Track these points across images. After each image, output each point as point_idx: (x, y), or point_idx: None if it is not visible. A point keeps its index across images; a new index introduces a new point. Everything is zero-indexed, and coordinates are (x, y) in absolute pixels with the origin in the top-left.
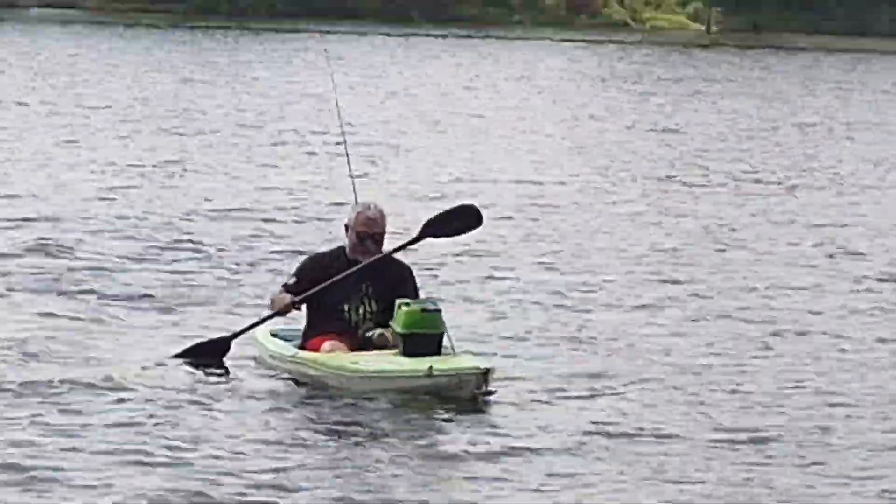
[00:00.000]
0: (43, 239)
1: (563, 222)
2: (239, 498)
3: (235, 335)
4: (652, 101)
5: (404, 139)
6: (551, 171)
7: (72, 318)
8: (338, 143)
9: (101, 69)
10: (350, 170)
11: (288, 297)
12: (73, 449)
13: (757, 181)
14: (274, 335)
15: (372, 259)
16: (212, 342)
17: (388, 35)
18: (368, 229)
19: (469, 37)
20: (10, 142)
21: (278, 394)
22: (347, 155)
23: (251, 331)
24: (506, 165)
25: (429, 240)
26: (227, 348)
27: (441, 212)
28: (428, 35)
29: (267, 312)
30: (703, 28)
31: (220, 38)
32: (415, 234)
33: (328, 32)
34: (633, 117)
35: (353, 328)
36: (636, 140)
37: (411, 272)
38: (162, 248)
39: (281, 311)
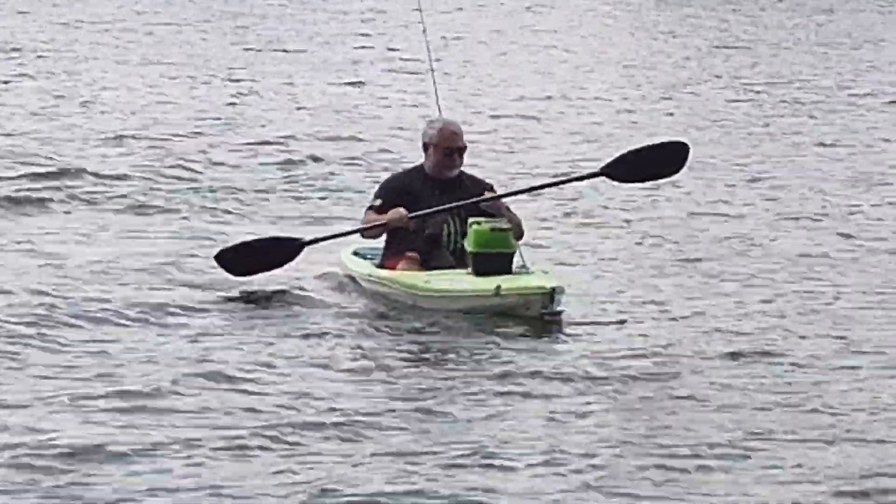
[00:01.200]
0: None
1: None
2: (300, 419)
3: (312, 241)
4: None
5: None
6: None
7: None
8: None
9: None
10: (435, 89)
11: (403, 211)
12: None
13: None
14: (355, 254)
15: (482, 198)
16: (277, 241)
17: None
18: (454, 143)
19: None
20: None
21: (349, 313)
22: (433, 74)
23: (328, 241)
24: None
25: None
26: (297, 253)
27: (632, 150)
28: None
29: (353, 227)
30: None
31: None
32: (584, 172)
33: None
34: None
35: (433, 248)
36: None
37: (494, 190)
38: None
39: (394, 225)
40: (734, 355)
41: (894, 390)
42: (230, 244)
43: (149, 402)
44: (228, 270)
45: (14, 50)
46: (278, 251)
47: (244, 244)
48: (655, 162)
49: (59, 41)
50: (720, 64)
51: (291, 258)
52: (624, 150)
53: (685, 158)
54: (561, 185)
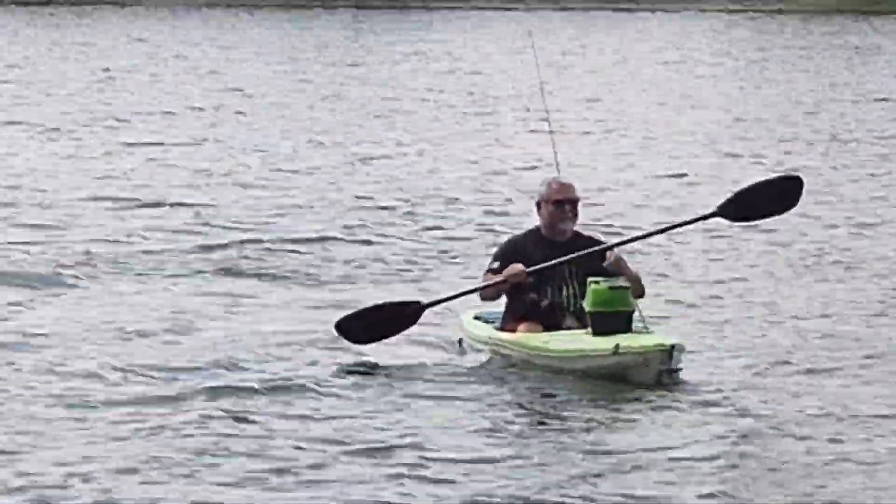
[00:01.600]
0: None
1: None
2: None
3: (432, 304)
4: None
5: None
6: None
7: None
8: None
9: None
10: (555, 153)
11: (521, 266)
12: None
13: None
14: (477, 318)
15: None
16: (397, 305)
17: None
18: (565, 195)
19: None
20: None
21: (471, 375)
22: (552, 137)
23: (447, 302)
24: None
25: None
26: (417, 317)
27: (745, 188)
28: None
29: (479, 280)
30: None
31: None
32: (697, 214)
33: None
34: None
35: (554, 310)
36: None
37: (612, 249)
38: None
39: (512, 281)
40: (862, 417)
41: None
42: (349, 312)
43: (287, 477)
44: (349, 339)
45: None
46: (399, 316)
47: (364, 310)
48: (770, 198)
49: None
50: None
51: (413, 322)
52: (737, 189)
53: (800, 193)
54: (676, 230)
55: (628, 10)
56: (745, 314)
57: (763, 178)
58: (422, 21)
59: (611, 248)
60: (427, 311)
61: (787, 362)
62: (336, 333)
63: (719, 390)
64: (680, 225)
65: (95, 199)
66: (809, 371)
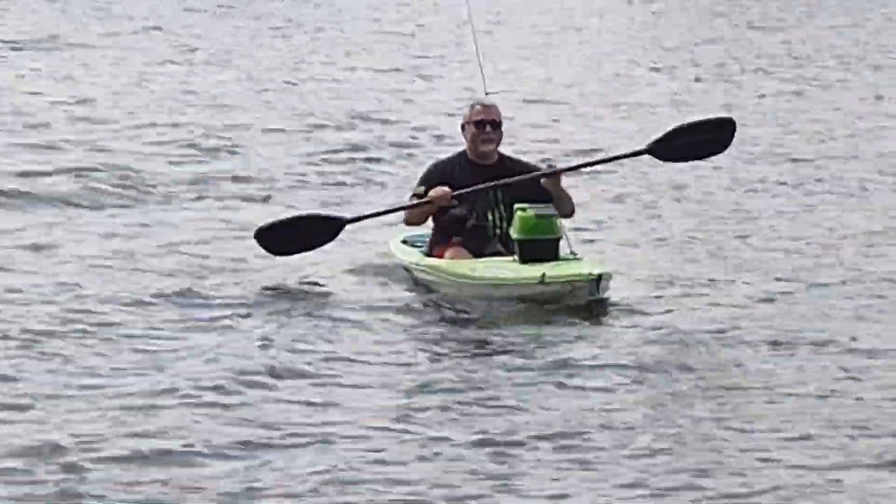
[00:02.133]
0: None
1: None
2: (340, 406)
3: (354, 220)
4: None
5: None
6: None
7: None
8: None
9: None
10: (482, 75)
11: (447, 189)
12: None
13: None
14: (404, 242)
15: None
16: (319, 218)
17: None
18: (486, 116)
19: None
20: None
21: (397, 301)
22: (482, 70)
23: (374, 219)
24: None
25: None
26: (339, 232)
27: (679, 126)
28: None
29: (404, 200)
30: None
31: None
32: (635, 148)
33: None
34: None
35: (480, 233)
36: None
37: (542, 171)
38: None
39: (438, 203)
40: (777, 344)
41: None
42: (270, 221)
43: (188, 399)
44: (268, 250)
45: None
46: (319, 229)
47: (285, 221)
48: (702, 140)
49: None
50: (758, 46)
51: (333, 237)
52: (669, 128)
53: (732, 135)
54: (605, 163)
55: None
56: (672, 248)
57: (697, 119)
58: None
59: (541, 175)
60: (347, 230)
61: (710, 290)
62: (256, 243)
63: (644, 313)
64: (608, 160)
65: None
66: (732, 304)
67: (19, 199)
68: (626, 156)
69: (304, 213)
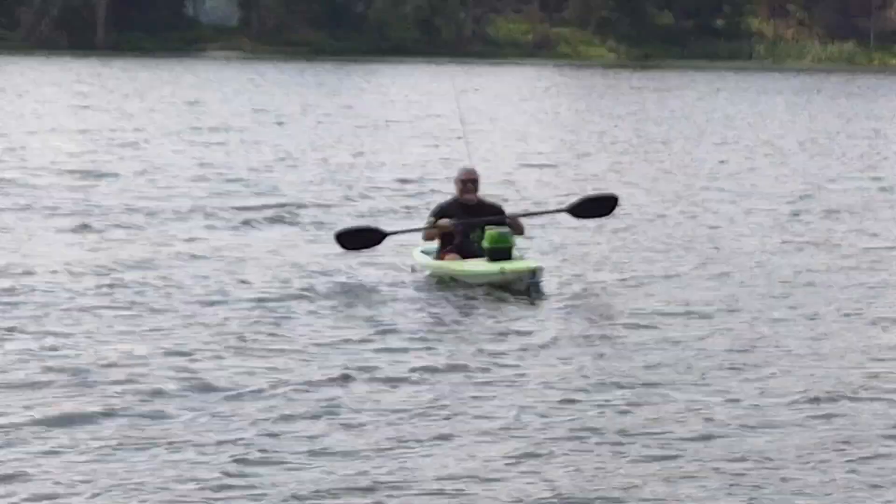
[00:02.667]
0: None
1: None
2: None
3: (393, 233)
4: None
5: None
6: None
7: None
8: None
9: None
10: (468, 151)
11: (450, 221)
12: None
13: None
14: (423, 252)
15: (491, 218)
16: (372, 230)
17: None
18: (467, 177)
19: None
20: None
21: (418, 289)
22: (468, 152)
23: (405, 235)
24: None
25: (563, 215)
26: (382, 239)
27: (590, 197)
28: None
29: (422, 225)
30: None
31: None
32: (558, 207)
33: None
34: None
35: (466, 246)
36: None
37: (502, 210)
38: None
39: (444, 229)
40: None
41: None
42: (346, 227)
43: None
44: (341, 245)
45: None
46: (373, 236)
47: (353, 228)
48: (597, 206)
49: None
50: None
51: (379, 243)
52: (581, 197)
53: (616, 205)
54: (543, 215)
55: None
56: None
57: (597, 193)
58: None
59: (502, 219)
60: (389, 239)
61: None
62: (335, 240)
63: (571, 305)
64: (544, 213)
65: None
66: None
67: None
68: (554, 211)
69: (364, 225)
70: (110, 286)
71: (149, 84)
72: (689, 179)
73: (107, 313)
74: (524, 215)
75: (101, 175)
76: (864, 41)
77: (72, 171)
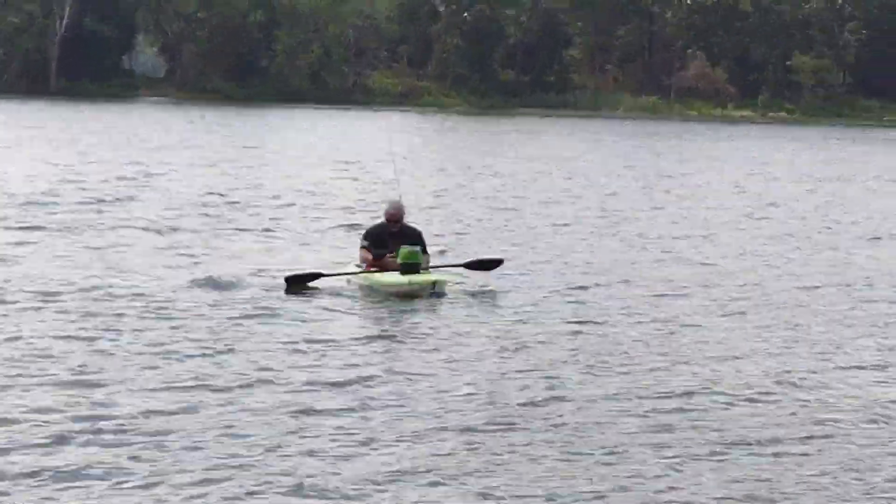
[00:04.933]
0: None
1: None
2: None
3: (330, 275)
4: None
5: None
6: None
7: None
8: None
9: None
10: (399, 189)
11: (370, 256)
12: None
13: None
14: (356, 265)
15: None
16: (314, 273)
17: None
18: (391, 213)
19: None
20: None
21: (344, 295)
22: (399, 182)
23: (339, 276)
24: None
25: (461, 269)
26: (319, 277)
27: (483, 258)
28: None
29: (357, 268)
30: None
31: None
32: (458, 262)
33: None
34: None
35: (386, 262)
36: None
37: (421, 234)
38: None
39: (372, 263)
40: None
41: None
42: (295, 273)
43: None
44: (288, 288)
45: None
46: (313, 277)
47: (301, 274)
48: (487, 264)
49: None
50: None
51: (316, 279)
52: (474, 258)
53: (500, 264)
54: (446, 266)
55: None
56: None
57: (487, 257)
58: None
59: (422, 250)
60: (323, 279)
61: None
62: (284, 281)
63: (467, 308)
64: (448, 266)
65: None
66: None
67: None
68: (455, 265)
69: (312, 271)
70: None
71: (93, 122)
72: (514, 193)
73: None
74: (431, 267)
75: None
76: (666, 95)
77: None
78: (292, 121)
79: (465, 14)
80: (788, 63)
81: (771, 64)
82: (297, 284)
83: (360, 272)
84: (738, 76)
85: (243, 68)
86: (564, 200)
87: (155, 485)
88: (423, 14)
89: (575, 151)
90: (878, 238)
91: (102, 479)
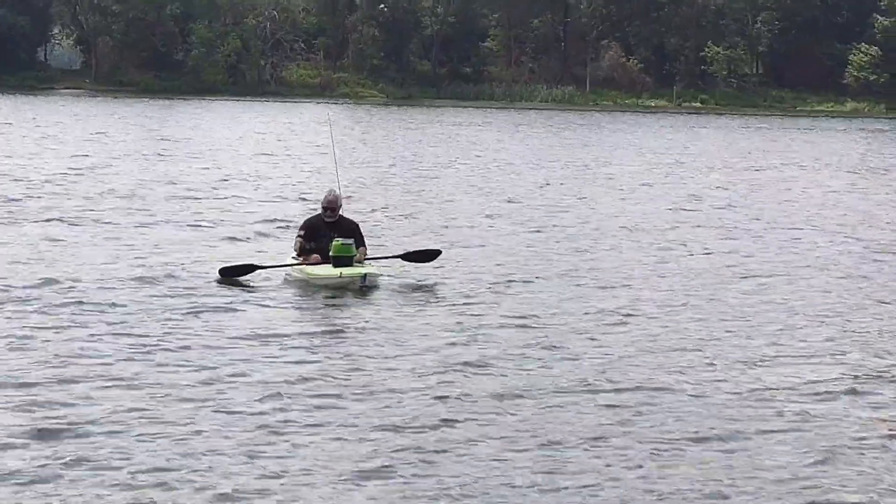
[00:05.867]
0: None
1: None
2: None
3: (264, 267)
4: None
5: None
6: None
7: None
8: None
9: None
10: (338, 181)
11: (316, 257)
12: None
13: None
14: (293, 258)
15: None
16: (248, 265)
17: None
18: (328, 205)
19: None
20: None
21: (277, 288)
22: (337, 174)
23: (272, 269)
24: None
25: (399, 260)
26: (254, 269)
27: (420, 249)
28: None
29: (292, 259)
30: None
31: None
32: (393, 253)
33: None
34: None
35: (321, 254)
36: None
37: (358, 226)
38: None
39: (308, 259)
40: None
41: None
42: (229, 265)
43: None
44: (222, 276)
45: None
46: (248, 267)
47: (236, 265)
48: (426, 255)
49: None
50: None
51: (252, 271)
52: (413, 249)
53: (438, 255)
54: (384, 258)
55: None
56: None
57: (425, 248)
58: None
59: (359, 242)
60: (259, 270)
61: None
62: (217, 273)
63: (390, 295)
64: (385, 257)
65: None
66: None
67: None
68: (393, 256)
69: (248, 262)
70: None
71: (11, 114)
72: (439, 184)
73: None
74: (371, 258)
75: None
76: (582, 86)
77: None
78: (215, 113)
79: (382, 5)
80: (702, 54)
81: (684, 55)
82: (231, 276)
83: (295, 264)
84: (653, 66)
85: (160, 61)
86: (494, 191)
87: (82, 481)
88: (341, 5)
89: (502, 142)
90: (801, 229)
91: (40, 481)
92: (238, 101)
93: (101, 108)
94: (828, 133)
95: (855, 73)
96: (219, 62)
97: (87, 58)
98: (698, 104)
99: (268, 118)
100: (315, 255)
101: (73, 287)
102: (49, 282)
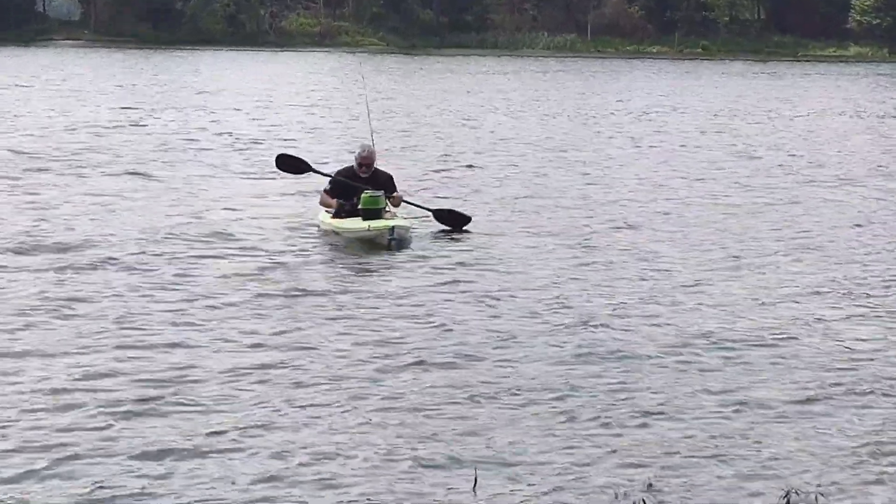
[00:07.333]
0: None
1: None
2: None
3: (316, 171)
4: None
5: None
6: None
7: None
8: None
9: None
10: (371, 132)
11: (335, 202)
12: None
13: None
14: (326, 210)
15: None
16: (301, 160)
17: None
18: (362, 161)
19: None
20: None
21: (319, 237)
22: (371, 127)
23: (320, 174)
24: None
25: (432, 217)
26: (308, 170)
27: (454, 210)
28: None
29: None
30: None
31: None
32: (429, 206)
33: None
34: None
35: (352, 208)
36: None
37: (392, 178)
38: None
39: (335, 206)
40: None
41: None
42: (286, 153)
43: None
44: (279, 167)
45: None
46: (303, 165)
47: (290, 155)
48: (455, 220)
49: None
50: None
51: (305, 172)
52: (445, 207)
53: (468, 221)
54: (418, 206)
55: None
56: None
57: (460, 212)
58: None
59: (390, 195)
60: (312, 174)
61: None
62: (274, 163)
63: (418, 250)
64: (416, 205)
65: None
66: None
67: None
68: (425, 208)
69: (300, 155)
70: None
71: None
72: (479, 135)
73: None
74: (400, 200)
75: None
76: (584, 34)
77: None
78: (236, 63)
79: None
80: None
81: (686, 1)
82: (285, 168)
83: (331, 220)
84: (654, 13)
85: (158, 11)
86: (529, 153)
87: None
88: None
89: (538, 91)
90: (813, 180)
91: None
92: (238, 50)
93: (112, 60)
94: (830, 78)
95: (858, 18)
96: (217, 12)
97: (85, 9)
98: (700, 51)
99: (287, 68)
100: (344, 210)
101: (107, 243)
102: (129, 234)
